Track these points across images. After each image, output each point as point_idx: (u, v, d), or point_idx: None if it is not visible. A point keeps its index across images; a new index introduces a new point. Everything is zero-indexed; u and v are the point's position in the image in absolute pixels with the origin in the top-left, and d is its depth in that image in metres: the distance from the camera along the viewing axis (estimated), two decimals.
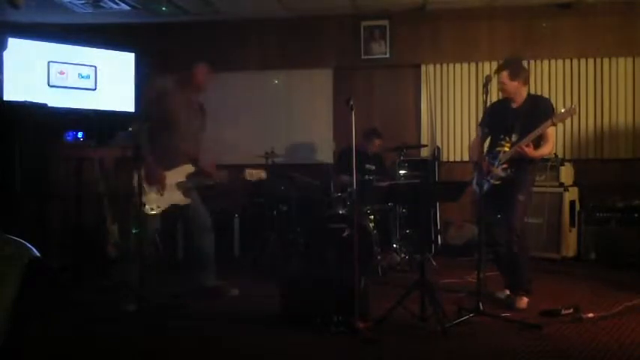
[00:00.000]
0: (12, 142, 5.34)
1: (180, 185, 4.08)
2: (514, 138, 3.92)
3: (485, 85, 3.66)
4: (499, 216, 4.07)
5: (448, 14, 6.41)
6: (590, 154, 6.19)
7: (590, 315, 3.63)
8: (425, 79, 6.56)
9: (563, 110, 3.86)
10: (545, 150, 3.91)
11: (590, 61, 6.23)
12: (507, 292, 4.14)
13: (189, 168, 4.15)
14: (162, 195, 3.98)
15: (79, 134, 5.96)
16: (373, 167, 5.65)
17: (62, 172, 5.63)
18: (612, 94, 6.16)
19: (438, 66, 6.54)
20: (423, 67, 6.56)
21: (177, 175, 4.09)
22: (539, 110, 3.89)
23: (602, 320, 3.58)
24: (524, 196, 3.94)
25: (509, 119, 3.97)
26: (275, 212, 5.59)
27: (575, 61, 6.25)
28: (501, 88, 3.98)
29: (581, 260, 5.63)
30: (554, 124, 3.79)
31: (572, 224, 5.69)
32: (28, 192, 5.36)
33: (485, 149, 4.14)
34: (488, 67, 6.35)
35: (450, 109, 6.52)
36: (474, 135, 6.34)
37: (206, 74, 4.20)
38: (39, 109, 5.73)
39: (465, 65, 6.48)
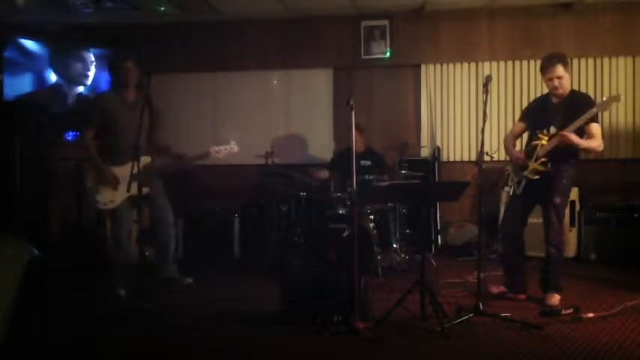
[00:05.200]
0: (12, 143, 5.34)
1: (134, 177, 4.08)
2: (552, 130, 3.86)
3: (486, 85, 3.65)
4: (508, 214, 4.07)
5: (448, 14, 6.41)
6: (590, 154, 6.16)
7: (590, 315, 3.62)
8: (425, 79, 6.56)
9: (605, 98, 3.76)
10: (591, 143, 3.80)
11: (590, 61, 6.23)
12: (503, 288, 4.14)
13: (144, 159, 4.25)
14: (116, 189, 4.20)
15: (79, 134, 5.98)
16: (369, 162, 5.62)
17: (62, 172, 5.64)
18: (612, 94, 6.15)
19: (438, 66, 6.54)
20: (423, 67, 6.55)
21: (131, 168, 4.13)
22: (580, 104, 3.83)
23: (602, 320, 3.58)
24: (561, 198, 3.90)
25: (549, 112, 3.93)
26: (275, 212, 5.58)
27: (575, 61, 6.24)
28: (558, 84, 3.88)
29: (581, 260, 5.62)
30: (595, 114, 3.71)
31: (572, 224, 5.68)
32: (28, 192, 5.37)
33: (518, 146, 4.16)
34: (488, 67, 6.36)
35: (450, 109, 6.51)
36: (474, 135, 6.38)
37: (128, 70, 4.31)
38: (39, 109, 5.74)
39: (465, 65, 6.48)
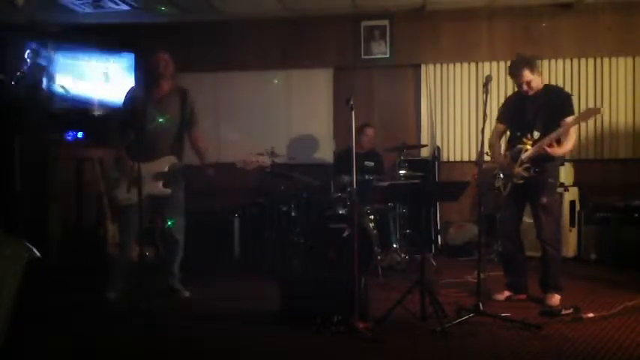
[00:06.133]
0: (12, 143, 5.34)
1: (159, 176, 4.08)
2: (535, 135, 3.87)
3: (486, 85, 3.65)
4: (505, 214, 4.08)
5: (448, 14, 6.41)
6: (590, 154, 6.19)
7: (590, 315, 3.62)
8: (425, 79, 6.56)
9: (586, 110, 3.78)
10: (568, 146, 3.85)
11: (590, 61, 6.23)
12: (507, 293, 4.13)
13: (171, 159, 4.16)
14: (129, 191, 4.03)
15: (79, 134, 5.98)
16: (372, 164, 5.65)
17: (62, 172, 5.64)
18: (612, 94, 6.16)
19: (438, 66, 6.54)
20: (423, 67, 6.56)
21: (157, 166, 4.10)
22: (558, 103, 3.86)
23: (602, 320, 3.58)
24: (548, 198, 3.91)
25: (529, 113, 3.93)
26: (275, 212, 5.59)
27: (575, 61, 6.25)
28: (527, 86, 3.90)
29: (581, 260, 5.63)
30: (577, 123, 3.76)
31: (572, 224, 5.69)
32: (28, 192, 5.37)
33: (504, 145, 4.15)
34: (488, 67, 6.36)
35: (450, 109, 6.52)
36: (474, 135, 6.38)
37: (162, 61, 4.17)
38: (39, 108, 5.74)
39: (465, 65, 6.48)
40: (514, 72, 3.94)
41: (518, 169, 3.89)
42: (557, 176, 4.04)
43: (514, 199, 4.04)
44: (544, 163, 3.88)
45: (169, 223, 4.26)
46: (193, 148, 4.33)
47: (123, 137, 4.20)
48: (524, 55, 4.03)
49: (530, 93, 3.93)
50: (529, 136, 3.89)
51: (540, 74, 3.99)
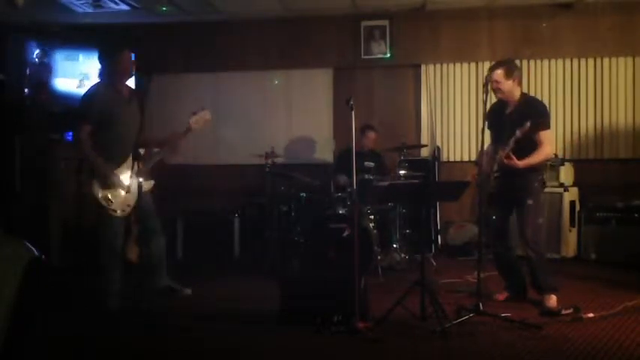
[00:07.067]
0: (12, 143, 5.34)
1: (138, 175, 3.95)
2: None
3: (486, 85, 3.66)
4: (494, 217, 4.08)
5: (448, 14, 6.41)
6: (590, 154, 6.19)
7: (590, 315, 3.63)
8: (425, 79, 6.56)
9: (527, 126, 3.64)
10: (540, 155, 3.82)
11: (590, 61, 6.23)
12: (507, 294, 4.13)
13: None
14: (128, 192, 3.88)
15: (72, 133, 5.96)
16: (372, 164, 5.66)
17: (62, 172, 5.64)
18: (612, 94, 6.16)
19: (438, 66, 6.54)
20: (423, 67, 6.56)
21: (133, 167, 3.96)
22: (528, 115, 3.77)
23: (602, 320, 3.58)
24: (533, 199, 3.90)
25: (506, 123, 3.91)
26: (275, 212, 5.59)
27: (575, 61, 6.26)
28: (495, 87, 3.89)
29: (581, 260, 5.63)
30: (521, 137, 3.66)
31: (572, 224, 5.69)
32: (28, 192, 5.37)
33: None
34: (488, 67, 6.34)
35: (450, 109, 6.52)
36: (474, 135, 6.39)
37: (131, 61, 4.03)
38: (40, 108, 5.74)
39: (465, 65, 6.48)
40: (490, 69, 3.95)
41: (491, 179, 3.90)
42: (541, 180, 4.00)
43: (500, 203, 4.02)
44: (518, 169, 3.81)
45: (152, 224, 4.21)
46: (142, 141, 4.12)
47: (91, 138, 3.90)
48: (508, 59, 4.05)
49: (498, 95, 3.93)
50: (503, 146, 3.85)
51: (518, 84, 3.96)
